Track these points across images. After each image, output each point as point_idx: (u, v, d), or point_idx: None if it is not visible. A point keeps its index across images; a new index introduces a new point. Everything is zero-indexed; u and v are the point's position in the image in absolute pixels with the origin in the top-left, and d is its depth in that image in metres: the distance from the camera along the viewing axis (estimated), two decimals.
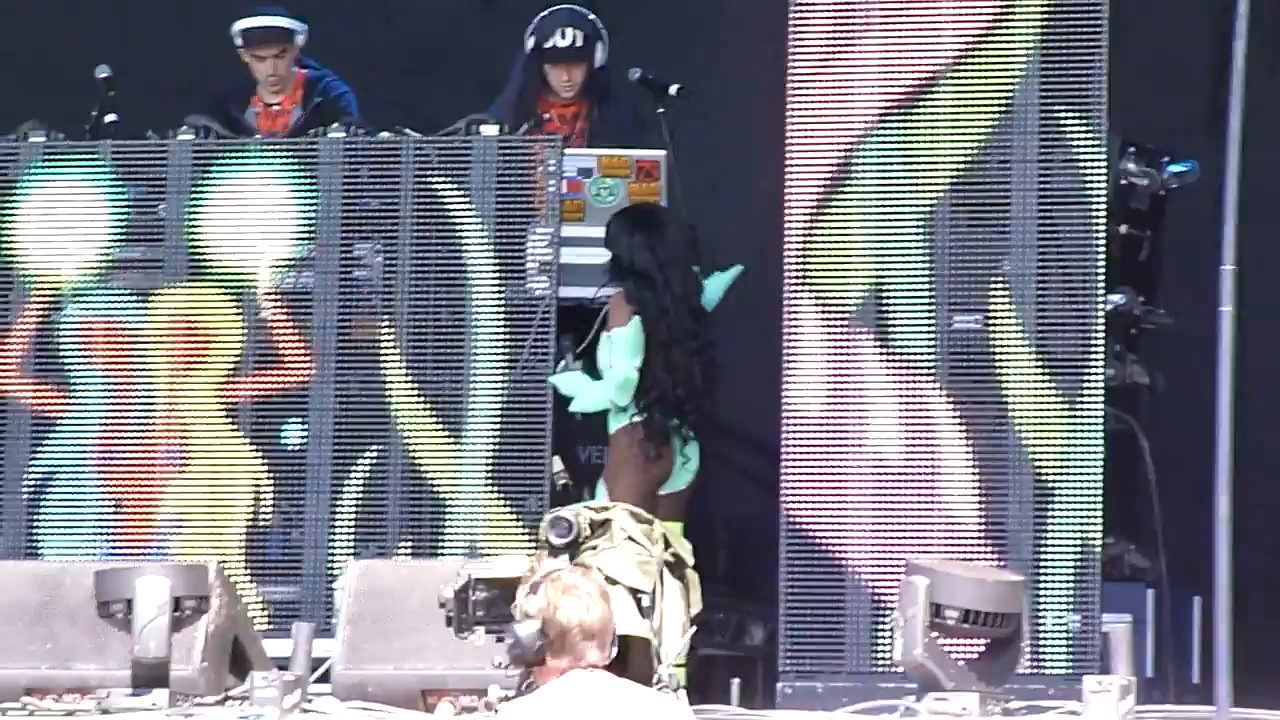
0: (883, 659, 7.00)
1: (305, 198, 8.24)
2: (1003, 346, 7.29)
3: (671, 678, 5.89)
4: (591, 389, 8.15)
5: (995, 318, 7.22)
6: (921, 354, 7.42)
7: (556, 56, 8.91)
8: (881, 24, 7.69)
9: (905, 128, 7.59)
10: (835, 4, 7.65)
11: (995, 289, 7.21)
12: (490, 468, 8.09)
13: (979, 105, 7.34)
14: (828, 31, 7.72)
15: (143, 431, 8.20)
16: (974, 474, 7.53)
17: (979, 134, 7.41)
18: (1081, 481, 7.43)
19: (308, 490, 8.08)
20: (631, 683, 4.69)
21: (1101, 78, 7.30)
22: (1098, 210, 7.25)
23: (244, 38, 8.95)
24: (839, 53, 7.64)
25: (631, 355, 8.17)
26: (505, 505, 8.10)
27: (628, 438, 8.16)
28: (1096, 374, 7.25)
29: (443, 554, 8.24)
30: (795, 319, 7.42)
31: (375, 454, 8.21)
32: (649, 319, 8.06)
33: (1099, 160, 7.28)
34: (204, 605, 6.62)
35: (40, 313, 8.21)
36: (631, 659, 5.26)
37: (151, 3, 10.67)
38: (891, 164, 7.57)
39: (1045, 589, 7.35)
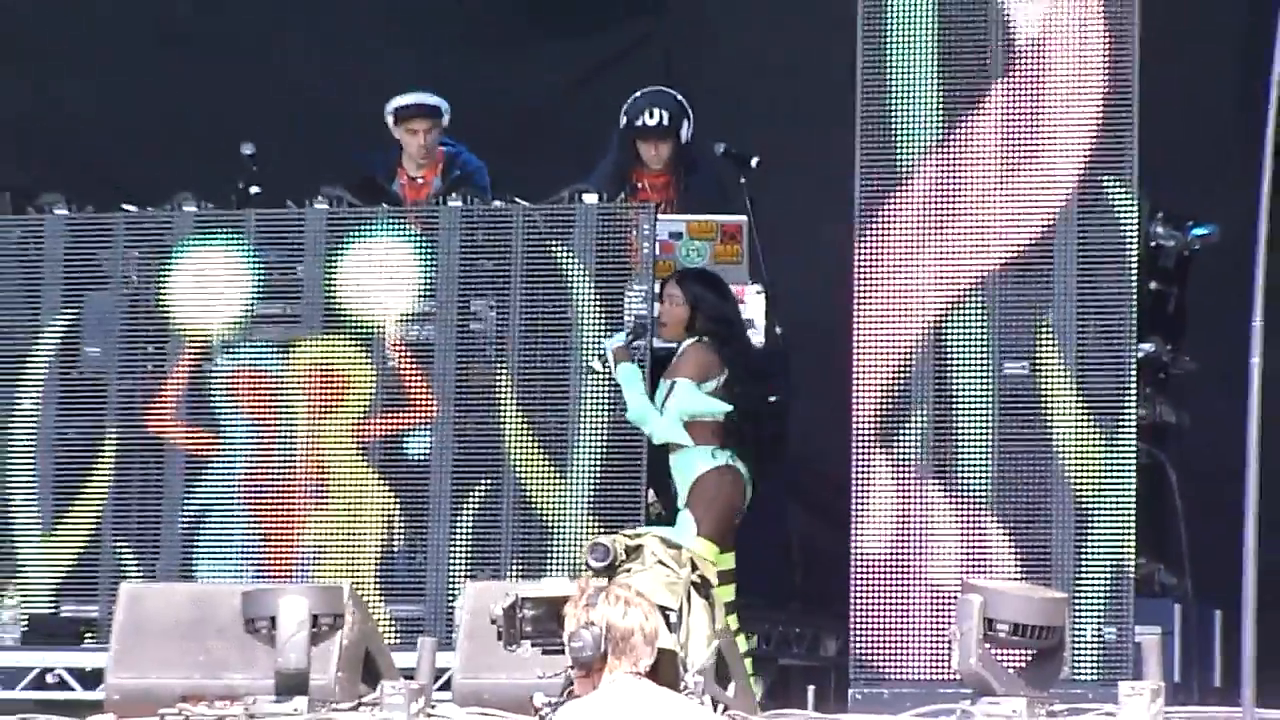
0: (942, 668, 7.41)
1: (428, 259, 9.05)
2: (1048, 389, 7.89)
3: (697, 685, 6.09)
4: (659, 422, 8.62)
5: (1041, 363, 7.81)
6: (977, 395, 7.99)
7: (647, 134, 9.62)
8: (943, 113, 8.44)
9: (962, 199, 8.18)
10: (899, 98, 8.39)
11: (1041, 338, 7.81)
12: (592, 498, 8.72)
13: (1029, 175, 8.12)
14: (892, 120, 8.49)
15: (284, 468, 8.93)
16: (1022, 502, 8.13)
17: (1029, 202, 8.18)
18: (1116, 509, 7.98)
19: (430, 520, 8.75)
20: (668, 689, 5.04)
21: (1133, 151, 7.89)
22: (1130, 268, 7.89)
23: (399, 114, 9.70)
24: (904, 140, 8.40)
25: (699, 405, 8.64)
26: (605, 532, 8.65)
27: (717, 478, 8.58)
28: (1129, 413, 7.83)
29: (549, 576, 8.66)
30: (863, 362, 8.08)
31: (489, 486, 8.85)
32: (732, 368, 8.57)
33: (1132, 225, 7.95)
34: (339, 622, 7.07)
35: (193, 363, 9.01)
36: (660, 668, 5.36)
37: (290, 86, 11.59)
38: (952, 230, 8.22)
39: (1084, 604, 7.90)
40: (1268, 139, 5.61)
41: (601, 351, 8.97)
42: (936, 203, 8.33)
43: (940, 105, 8.72)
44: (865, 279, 8.39)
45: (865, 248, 8.36)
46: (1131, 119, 8.01)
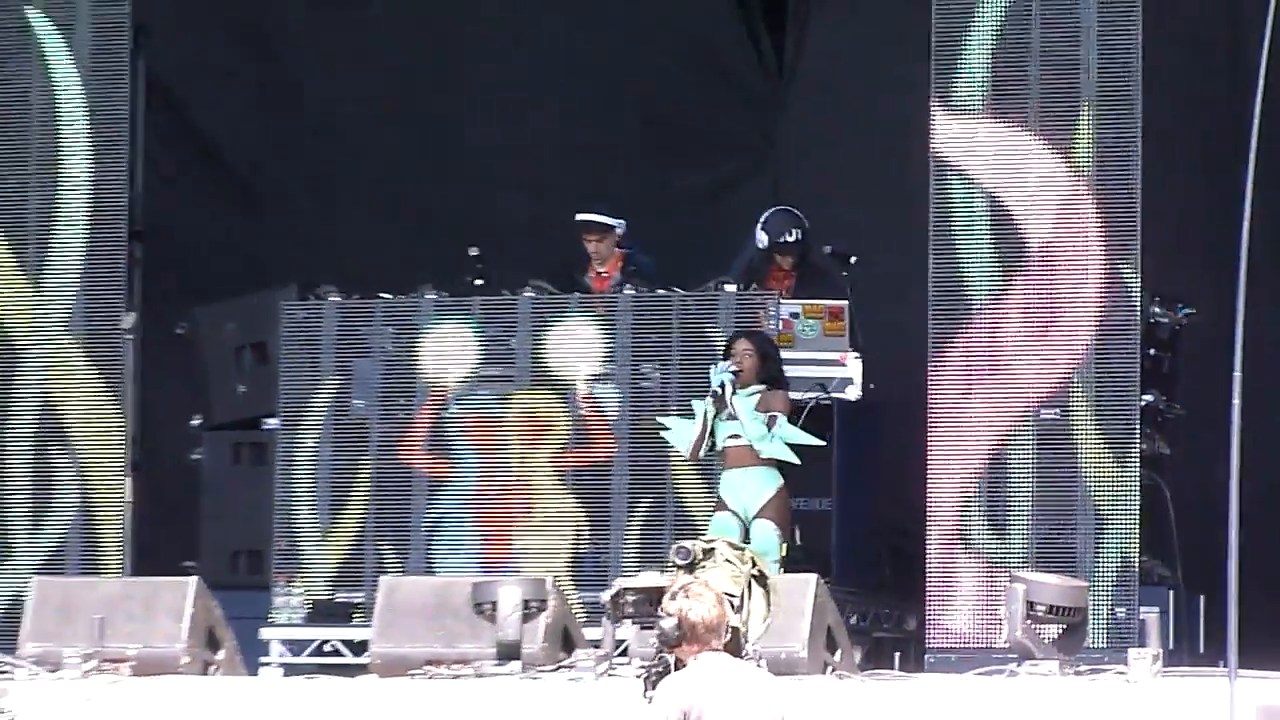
0: (995, 638, 9.14)
1: (609, 334, 10.91)
2: (1075, 429, 9.69)
3: (757, 654, 6.47)
4: (772, 446, 10.16)
5: (1070, 410, 9.68)
6: (1021, 434, 9.87)
7: (785, 250, 11.23)
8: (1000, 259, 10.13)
9: (1015, 312, 10.06)
10: (964, 248, 10.13)
11: (1070, 391, 9.75)
12: None
13: (1063, 284, 10.08)
14: (957, 264, 10.17)
15: (502, 488, 10.84)
16: (1054, 513, 9.87)
17: (1062, 299, 10.03)
18: (1124, 518, 9.73)
19: (610, 529, 10.72)
20: (738, 660, 5.57)
21: (1137, 249, 9.69)
22: (1134, 340, 9.80)
23: (581, 227, 11.44)
24: (968, 280, 10.10)
25: (801, 436, 10.19)
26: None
27: (785, 495, 10.16)
28: (1134, 447, 9.66)
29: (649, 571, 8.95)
30: (938, 399, 9.83)
31: (654, 501, 10.74)
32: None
33: (1135, 306, 9.79)
34: (544, 605, 8.73)
35: (433, 410, 10.98)
36: (729, 643, 5.95)
37: (499, 203, 13.70)
38: (1010, 335, 9.96)
39: (1100, 590, 9.55)
40: (1243, 239, 6.92)
41: (720, 383, 10.20)
42: (997, 318, 10.09)
43: (994, 249, 10.31)
44: (939, 354, 10.04)
45: (936, 337, 10.01)
46: (1135, 227, 9.70)
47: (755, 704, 5.34)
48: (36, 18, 11.21)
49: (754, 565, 7.01)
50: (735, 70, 14.45)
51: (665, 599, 5.37)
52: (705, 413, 10.11)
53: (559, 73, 14.37)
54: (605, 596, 7.77)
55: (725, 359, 10.22)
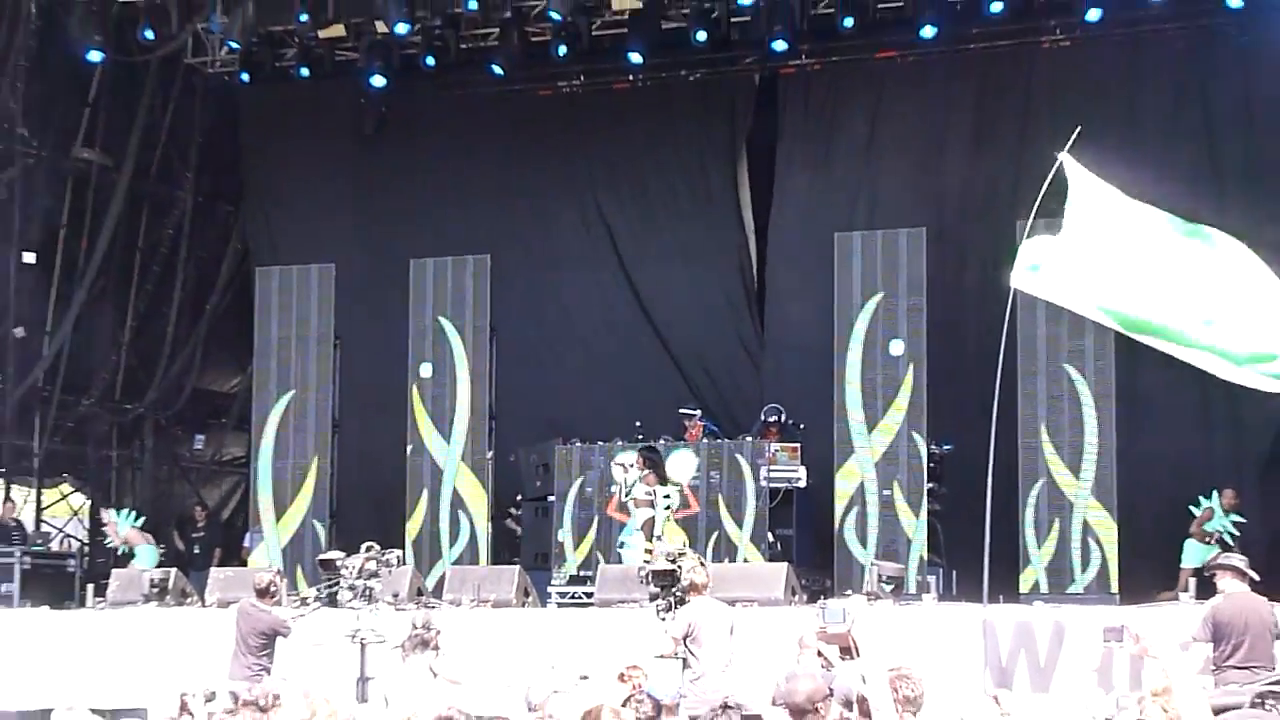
0: None
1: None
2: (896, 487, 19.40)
3: (729, 601, 10.82)
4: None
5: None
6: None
7: (772, 424, 19.12)
8: None
9: None
10: None
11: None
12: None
13: None
14: None
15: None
16: (891, 533, 18.54)
17: None
18: (920, 534, 18.37)
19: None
20: (713, 599, 11.33)
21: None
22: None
23: (684, 416, 19.56)
24: None
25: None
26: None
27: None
28: (924, 487, 18.40)
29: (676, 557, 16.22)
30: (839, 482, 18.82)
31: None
32: None
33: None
34: None
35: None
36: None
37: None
38: None
39: (910, 569, 17.82)
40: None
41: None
42: None
43: None
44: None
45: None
46: None
47: (723, 619, 11.36)
48: None
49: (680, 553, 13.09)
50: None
51: (680, 572, 11.62)
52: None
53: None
54: (641, 574, 13.64)
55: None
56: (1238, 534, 18.61)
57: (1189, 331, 10.22)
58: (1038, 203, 10.79)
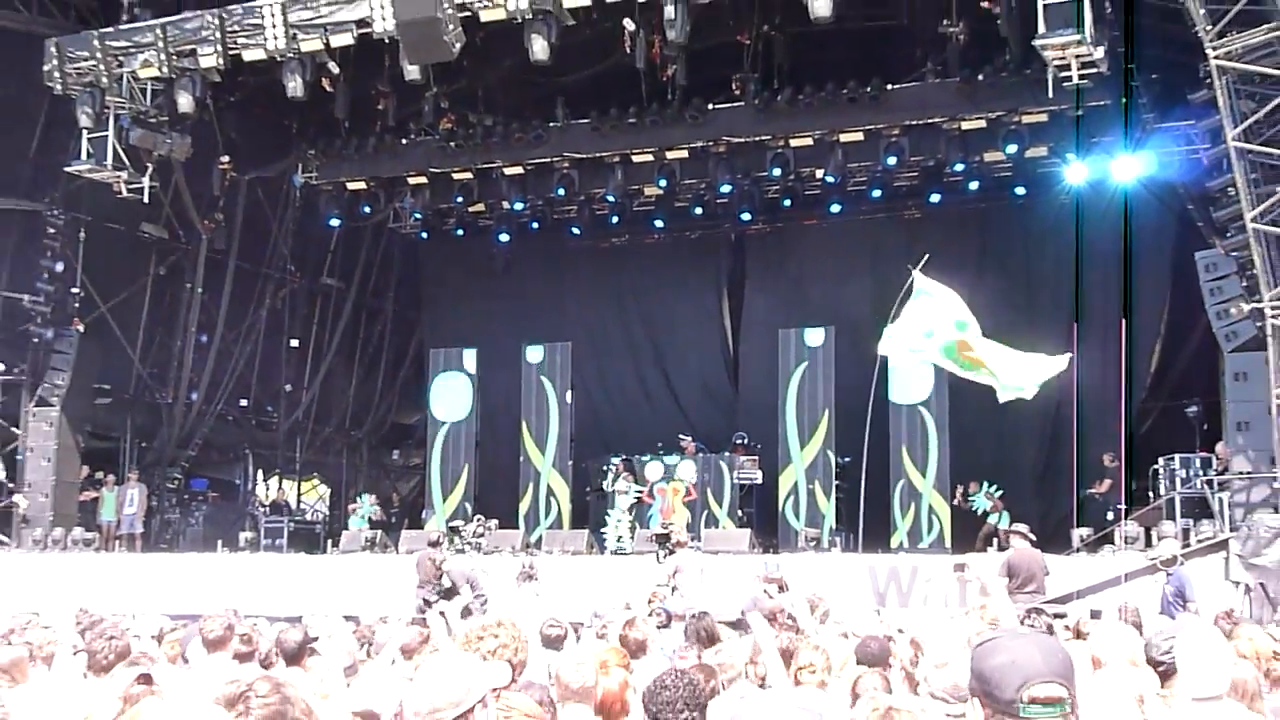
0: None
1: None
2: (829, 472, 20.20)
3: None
4: None
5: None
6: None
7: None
8: None
9: None
10: None
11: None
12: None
13: None
14: None
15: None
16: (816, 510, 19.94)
17: None
18: (830, 509, 19.86)
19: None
20: (699, 552, 12.83)
21: None
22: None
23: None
24: None
25: None
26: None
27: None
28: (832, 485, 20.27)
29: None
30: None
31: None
32: None
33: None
34: None
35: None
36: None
37: None
38: None
39: (824, 534, 19.07)
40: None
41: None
42: None
43: None
44: None
45: None
46: None
47: (698, 563, 12.55)
48: None
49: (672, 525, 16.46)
50: None
51: (671, 535, 14.78)
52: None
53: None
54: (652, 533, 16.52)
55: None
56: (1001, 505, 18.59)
57: (989, 368, 10.47)
58: (898, 300, 10.76)
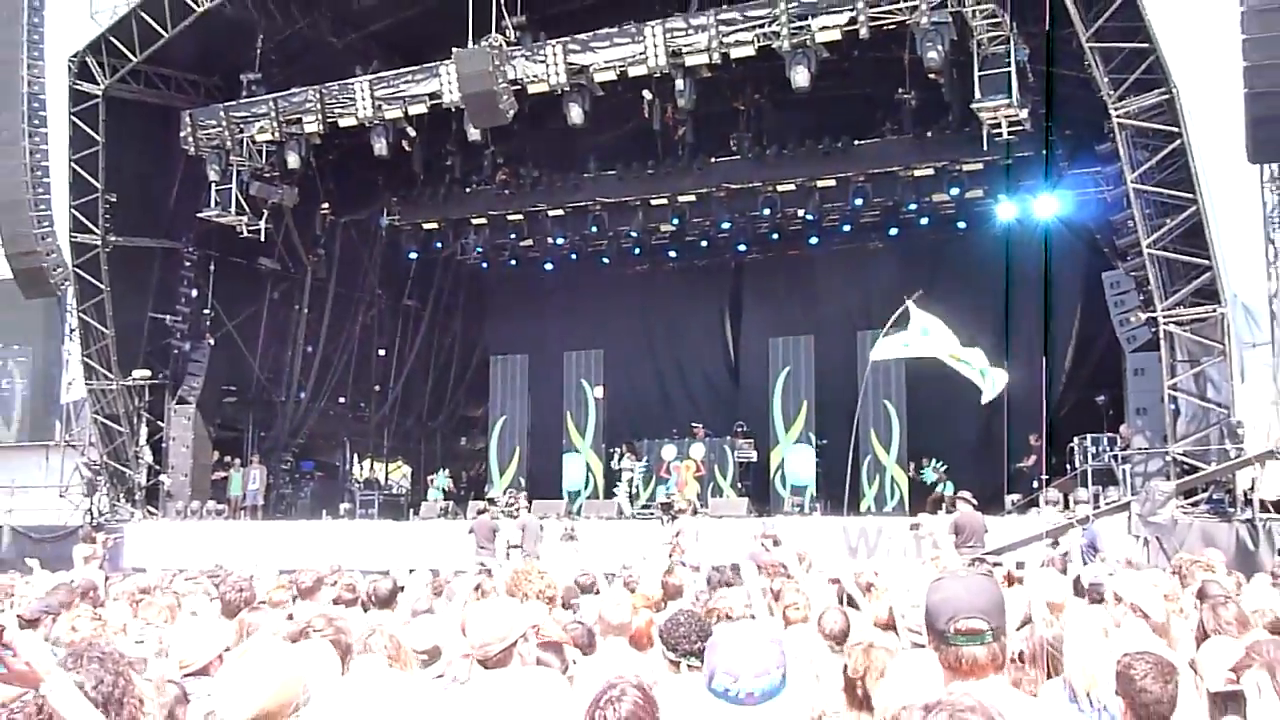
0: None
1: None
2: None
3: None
4: None
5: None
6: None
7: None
8: None
9: None
10: None
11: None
12: None
13: None
14: None
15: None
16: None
17: None
18: (808, 482, 19.14)
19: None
20: (698, 517, 13.44)
21: None
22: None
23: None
24: None
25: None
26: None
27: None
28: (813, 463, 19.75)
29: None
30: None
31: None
32: None
33: None
34: None
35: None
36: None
37: None
38: None
39: (807, 503, 19.13)
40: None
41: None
42: None
43: None
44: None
45: None
46: None
47: (695, 526, 12.86)
48: None
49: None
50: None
51: (674, 503, 14.61)
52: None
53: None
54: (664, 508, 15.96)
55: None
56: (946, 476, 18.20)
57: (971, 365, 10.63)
58: (891, 321, 10.76)
